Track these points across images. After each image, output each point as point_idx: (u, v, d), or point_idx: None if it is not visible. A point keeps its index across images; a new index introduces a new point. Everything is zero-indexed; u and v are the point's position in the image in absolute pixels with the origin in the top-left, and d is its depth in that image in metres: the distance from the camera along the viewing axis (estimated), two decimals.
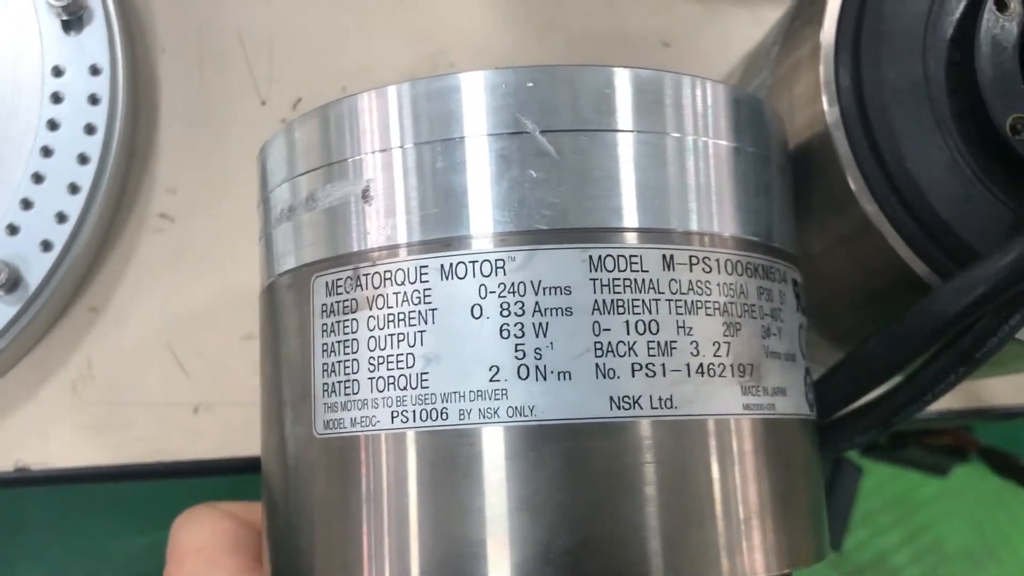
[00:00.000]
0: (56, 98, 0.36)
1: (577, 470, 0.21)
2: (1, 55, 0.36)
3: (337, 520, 0.23)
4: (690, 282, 0.22)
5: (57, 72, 0.36)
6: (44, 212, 0.35)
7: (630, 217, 0.22)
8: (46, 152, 0.35)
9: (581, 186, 0.22)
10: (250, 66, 0.39)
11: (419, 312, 0.22)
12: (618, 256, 0.22)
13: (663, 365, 0.22)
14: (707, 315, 0.22)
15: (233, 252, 0.37)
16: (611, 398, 0.21)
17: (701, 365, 0.22)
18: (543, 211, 0.22)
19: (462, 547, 0.21)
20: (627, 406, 0.21)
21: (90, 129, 0.35)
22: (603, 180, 0.22)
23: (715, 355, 0.22)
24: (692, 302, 0.22)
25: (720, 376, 0.22)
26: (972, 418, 0.40)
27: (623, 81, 0.23)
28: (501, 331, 0.21)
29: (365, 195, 0.23)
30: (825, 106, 0.28)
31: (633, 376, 0.21)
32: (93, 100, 0.36)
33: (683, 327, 0.22)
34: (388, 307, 0.22)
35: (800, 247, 0.27)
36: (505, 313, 0.21)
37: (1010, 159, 0.27)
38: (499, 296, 0.22)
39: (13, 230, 0.35)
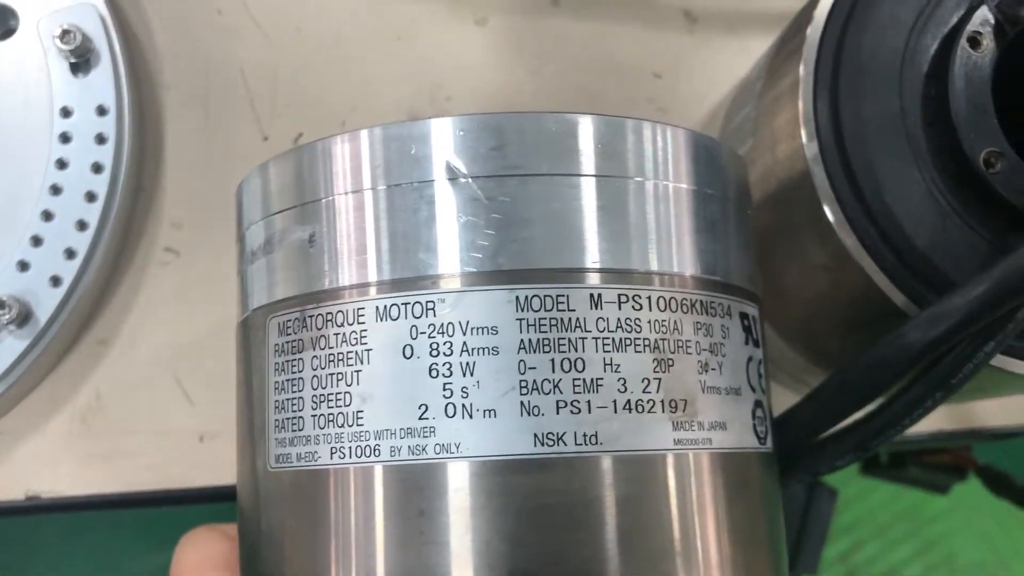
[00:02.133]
0: (64, 138, 0.37)
1: (502, 506, 0.22)
2: (12, 98, 0.37)
3: (290, 548, 0.24)
4: (618, 320, 0.23)
5: (65, 113, 0.37)
6: (53, 248, 0.36)
7: (557, 258, 0.23)
8: (55, 190, 0.36)
9: (508, 229, 0.23)
10: (252, 102, 0.40)
11: (356, 352, 0.23)
12: (544, 296, 0.22)
13: (588, 402, 0.22)
14: (636, 352, 0.23)
15: None
16: (535, 435, 0.22)
17: (629, 401, 0.22)
18: (473, 254, 0.23)
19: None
20: (551, 442, 0.22)
21: (97, 168, 0.37)
22: (530, 223, 0.23)
23: (644, 391, 0.23)
24: (620, 340, 0.23)
25: (649, 412, 0.23)
26: (964, 439, 0.41)
27: (549, 126, 0.23)
28: (430, 370, 0.22)
29: (312, 240, 0.24)
30: (804, 140, 0.29)
31: (558, 413, 0.22)
32: (100, 139, 0.37)
33: (610, 364, 0.22)
34: (329, 347, 0.23)
35: (758, 281, 0.27)
36: (434, 353, 0.22)
37: (984, 191, 0.28)
38: (429, 336, 0.22)
39: (24, 266, 0.36)
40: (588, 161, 0.23)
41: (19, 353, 0.35)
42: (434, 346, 0.22)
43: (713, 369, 0.24)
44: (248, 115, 0.40)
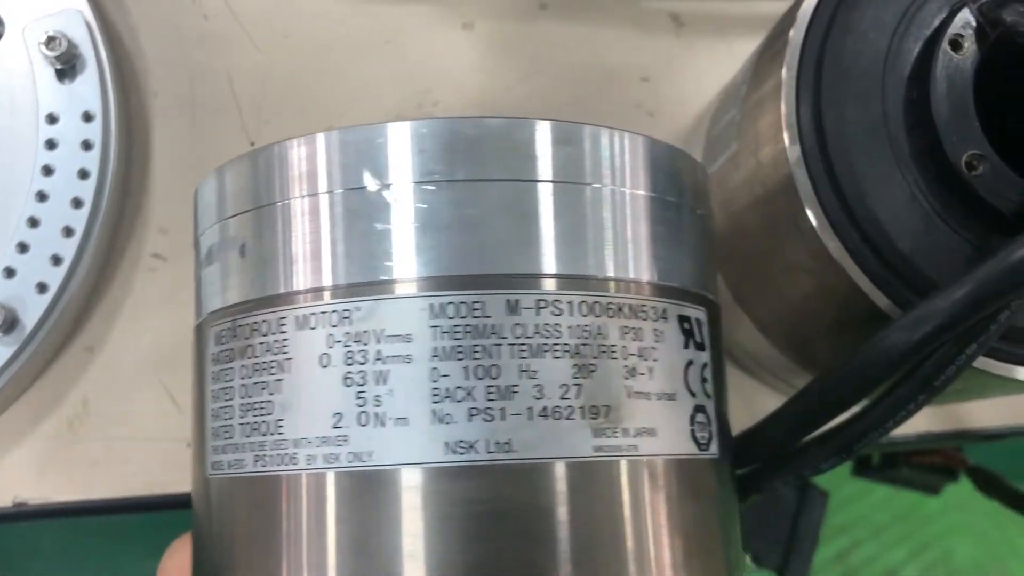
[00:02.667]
0: (51, 144, 0.37)
1: (412, 514, 0.21)
2: None
3: (221, 554, 0.24)
4: (536, 326, 0.22)
5: (51, 119, 0.37)
6: (39, 255, 0.36)
7: (473, 264, 0.22)
8: (41, 197, 0.36)
9: (423, 237, 0.22)
10: (240, 108, 0.40)
11: (278, 362, 0.23)
12: (459, 303, 0.22)
13: (502, 409, 0.22)
14: (554, 358, 0.22)
15: None
16: (446, 443, 0.22)
17: (545, 408, 0.22)
18: (386, 263, 0.22)
19: None
20: (462, 450, 0.22)
21: (83, 174, 0.37)
22: (445, 230, 0.22)
23: (562, 398, 0.22)
24: (538, 346, 0.22)
25: (568, 419, 0.22)
26: (951, 440, 0.41)
27: (466, 131, 0.23)
28: (345, 380, 0.22)
29: (243, 250, 0.24)
30: (787, 144, 0.29)
31: (469, 421, 0.22)
32: (86, 146, 0.37)
33: (526, 371, 0.22)
34: (255, 357, 0.24)
35: (709, 284, 0.26)
36: (349, 362, 0.22)
37: (966, 194, 0.28)
38: (344, 346, 0.22)
39: (10, 273, 0.36)
40: (502, 166, 0.23)
41: (5, 360, 0.35)
42: (349, 355, 0.22)
43: (642, 374, 0.23)
44: (235, 121, 0.40)
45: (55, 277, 0.36)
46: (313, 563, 0.22)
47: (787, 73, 0.29)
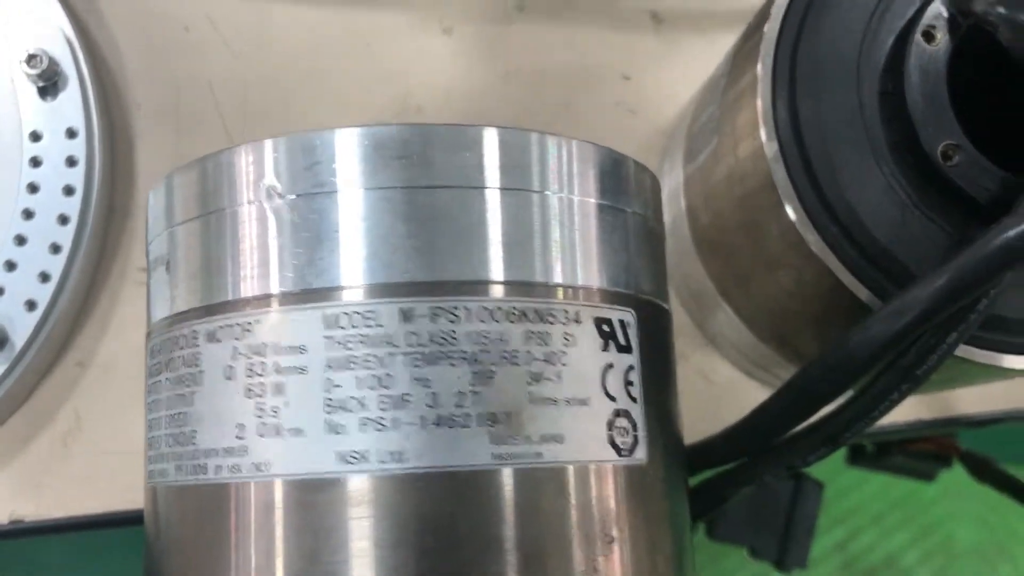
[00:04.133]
0: (35, 162, 0.37)
1: (306, 524, 0.22)
2: None
3: (151, 560, 0.25)
4: (431, 334, 0.22)
5: (35, 137, 0.37)
6: (27, 272, 0.36)
7: (366, 274, 0.22)
8: (27, 215, 0.36)
9: (318, 247, 0.23)
10: (223, 118, 0.40)
11: (192, 375, 0.23)
12: (352, 313, 0.22)
13: (395, 419, 0.22)
14: (451, 366, 0.22)
15: None
16: (337, 453, 0.22)
17: (439, 417, 0.22)
18: (286, 274, 0.23)
19: None
20: (354, 460, 0.21)
21: (69, 190, 0.37)
22: (339, 240, 0.22)
23: (457, 406, 0.22)
24: (432, 354, 0.22)
25: (463, 427, 0.22)
26: (942, 427, 0.41)
27: (361, 141, 0.23)
28: (247, 391, 0.22)
29: (168, 266, 0.25)
30: (764, 140, 0.29)
31: (362, 431, 0.22)
32: (71, 162, 0.37)
33: (420, 380, 0.22)
34: (175, 370, 0.24)
35: (642, 285, 0.26)
36: (250, 374, 0.22)
37: (943, 184, 0.28)
38: (247, 358, 0.23)
39: None
40: (395, 174, 0.23)
41: None
42: (251, 367, 0.22)
43: (548, 379, 0.23)
44: (219, 131, 0.40)
45: (43, 294, 0.36)
46: (219, 571, 0.23)
47: (762, 68, 0.30)
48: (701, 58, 0.42)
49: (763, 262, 0.32)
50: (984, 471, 0.50)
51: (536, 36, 0.42)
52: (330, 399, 0.22)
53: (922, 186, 0.28)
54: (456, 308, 0.22)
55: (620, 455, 0.24)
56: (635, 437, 0.24)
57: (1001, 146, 0.28)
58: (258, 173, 0.23)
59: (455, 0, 0.42)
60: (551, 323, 0.23)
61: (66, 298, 0.37)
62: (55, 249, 0.36)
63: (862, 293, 0.28)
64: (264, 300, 0.23)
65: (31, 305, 0.36)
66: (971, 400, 0.41)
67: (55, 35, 0.38)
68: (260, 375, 0.22)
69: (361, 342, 0.22)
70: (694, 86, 0.41)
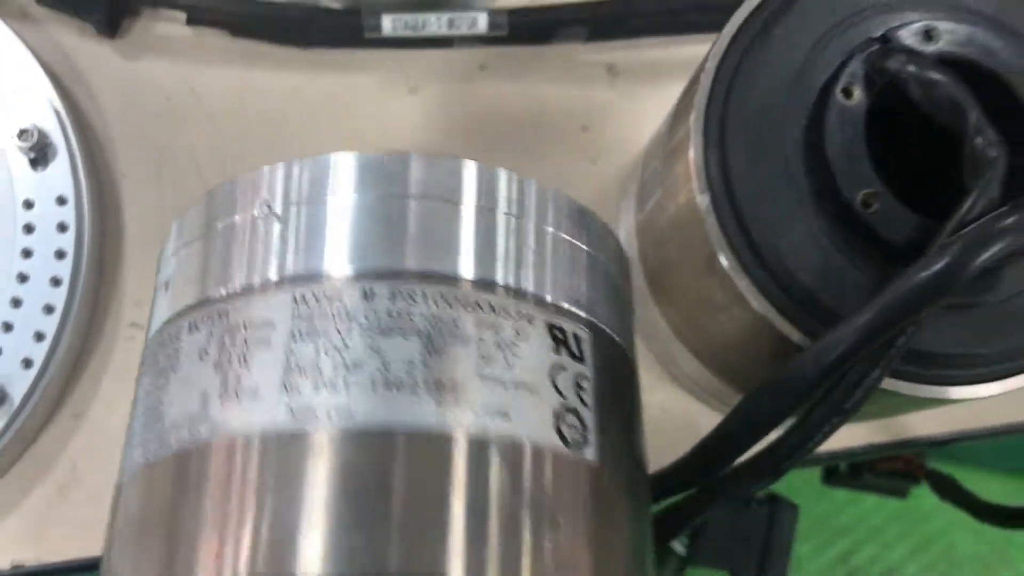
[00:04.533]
0: (28, 228, 0.39)
1: (260, 478, 0.23)
2: None
3: (114, 541, 0.26)
4: (388, 311, 0.24)
5: (28, 205, 0.40)
6: (23, 333, 0.38)
7: (338, 265, 0.25)
8: (22, 278, 0.39)
9: (302, 247, 0.26)
10: (204, 182, 0.43)
11: (171, 365, 0.26)
12: (321, 295, 0.25)
13: (345, 379, 0.23)
14: (404, 339, 0.24)
15: None
16: (291, 408, 0.23)
17: (388, 380, 0.23)
18: (269, 267, 0.26)
19: (186, 558, 0.23)
20: (306, 416, 0.23)
21: (60, 254, 0.39)
22: (321, 238, 0.25)
23: (407, 373, 0.23)
24: (387, 327, 0.24)
25: (411, 392, 0.23)
26: (895, 450, 0.43)
27: (344, 161, 0.26)
28: (216, 367, 0.24)
29: (167, 286, 0.28)
30: (696, 193, 0.31)
31: (315, 392, 0.23)
32: (62, 228, 0.39)
33: (374, 348, 0.24)
34: (155, 365, 0.27)
35: (594, 307, 0.27)
36: (222, 351, 0.25)
37: (864, 230, 0.30)
38: (219, 339, 0.25)
39: None
40: (379, 187, 0.26)
41: None
42: (222, 345, 0.25)
43: (497, 362, 0.24)
44: (201, 194, 0.42)
45: (39, 352, 0.38)
46: (182, 540, 0.23)
47: (695, 121, 0.31)
48: (656, 106, 0.44)
49: (706, 305, 0.34)
50: (947, 489, 0.52)
51: (498, 92, 0.44)
52: (289, 365, 0.24)
53: (844, 232, 0.30)
54: (414, 292, 0.25)
55: (567, 446, 0.25)
56: (584, 436, 0.25)
57: (918, 193, 0.30)
58: (254, 192, 0.27)
59: (421, 61, 0.44)
60: (503, 318, 0.25)
61: (60, 356, 0.39)
62: (48, 310, 0.39)
63: (792, 333, 0.30)
64: (247, 290, 0.25)
65: (27, 363, 0.38)
66: (922, 423, 0.43)
67: (45, 108, 0.40)
68: (231, 349, 0.24)
69: (324, 317, 0.24)
70: (649, 134, 0.43)
